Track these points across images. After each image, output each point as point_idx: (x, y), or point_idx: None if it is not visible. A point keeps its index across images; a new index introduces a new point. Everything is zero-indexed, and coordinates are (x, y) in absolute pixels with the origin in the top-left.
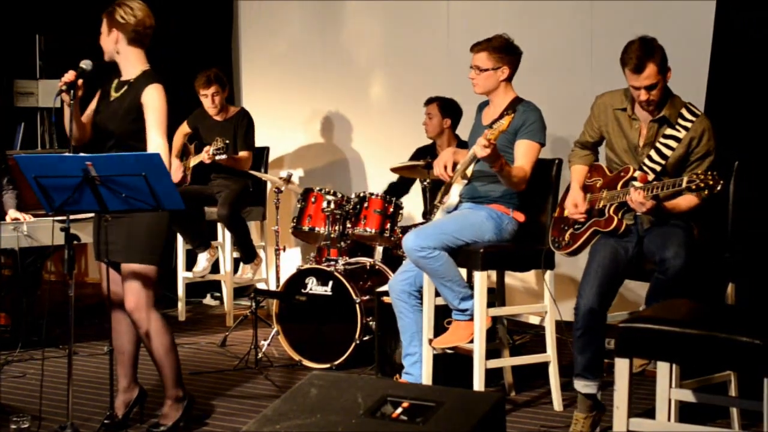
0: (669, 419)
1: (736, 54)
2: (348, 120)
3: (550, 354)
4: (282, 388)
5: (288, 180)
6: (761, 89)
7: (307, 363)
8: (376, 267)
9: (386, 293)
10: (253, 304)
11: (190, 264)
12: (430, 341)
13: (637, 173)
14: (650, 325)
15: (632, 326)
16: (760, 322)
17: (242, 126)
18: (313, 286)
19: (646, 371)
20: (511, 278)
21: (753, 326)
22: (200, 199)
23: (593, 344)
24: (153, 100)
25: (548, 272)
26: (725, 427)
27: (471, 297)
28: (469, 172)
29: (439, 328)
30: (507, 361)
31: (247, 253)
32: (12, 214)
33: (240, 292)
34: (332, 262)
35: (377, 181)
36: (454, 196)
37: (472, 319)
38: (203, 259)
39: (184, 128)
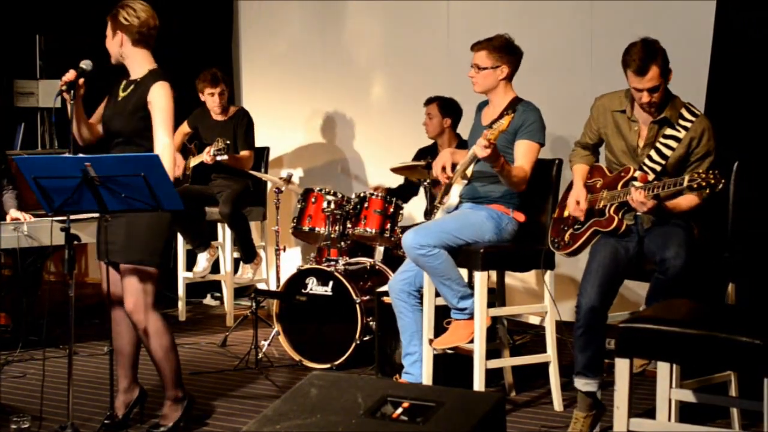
0: (669, 419)
1: (736, 54)
2: (348, 120)
3: (551, 354)
4: (282, 388)
5: (288, 180)
6: (761, 89)
7: (307, 363)
8: (377, 267)
9: (386, 293)
10: (254, 304)
11: (191, 264)
12: (431, 341)
13: (638, 173)
14: (650, 325)
15: (632, 326)
16: (760, 322)
17: (242, 125)
18: (313, 286)
19: (647, 371)
20: (511, 278)
21: (753, 326)
22: (201, 199)
23: (594, 343)
24: (159, 98)
25: (548, 272)
26: (725, 427)
27: (470, 296)
28: (469, 172)
29: (439, 329)
30: (507, 362)
31: (247, 253)
32: (13, 213)
33: (240, 292)
34: (332, 263)
35: (377, 181)
36: (454, 196)
37: (471, 318)
38: (203, 259)
39: (184, 128)
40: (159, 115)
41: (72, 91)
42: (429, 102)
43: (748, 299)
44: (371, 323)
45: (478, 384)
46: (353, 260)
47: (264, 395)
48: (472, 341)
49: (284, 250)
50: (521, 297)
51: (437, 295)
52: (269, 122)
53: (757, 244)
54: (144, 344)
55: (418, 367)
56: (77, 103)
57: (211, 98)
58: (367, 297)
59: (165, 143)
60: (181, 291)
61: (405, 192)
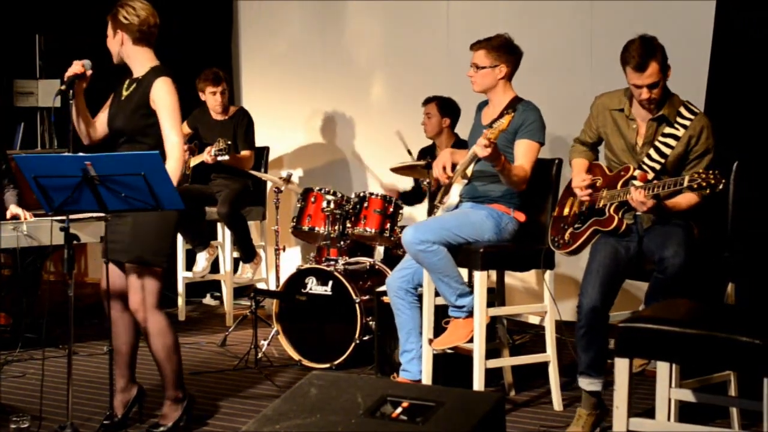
0: (669, 419)
1: (736, 54)
2: (348, 120)
3: (550, 354)
4: (282, 388)
5: (288, 180)
6: (761, 89)
7: (306, 363)
8: (376, 267)
9: (386, 293)
10: (253, 303)
11: (190, 264)
12: (431, 342)
13: (637, 172)
14: (650, 324)
15: (632, 326)
16: (760, 321)
17: (242, 125)
18: (312, 285)
19: (646, 371)
20: (511, 278)
21: (753, 326)
22: (201, 198)
23: (597, 342)
24: (163, 96)
25: (548, 272)
26: (725, 427)
27: (468, 294)
28: (469, 171)
29: (439, 329)
30: (507, 361)
31: (246, 253)
32: (13, 209)
33: (240, 291)
34: (332, 262)
35: (377, 181)
36: (454, 195)
37: (469, 316)
38: (202, 259)
39: (183, 128)
40: (165, 113)
41: (71, 91)
42: (428, 102)
43: (748, 299)
44: (371, 323)
45: (478, 384)
46: (353, 260)
47: (264, 395)
48: (471, 341)
49: (284, 249)
50: (521, 297)
51: (437, 294)
52: (269, 122)
53: (756, 244)
54: (147, 343)
55: (416, 364)
56: (77, 101)
57: (212, 97)
58: (367, 297)
59: (174, 142)
60: (180, 291)
61: (414, 196)
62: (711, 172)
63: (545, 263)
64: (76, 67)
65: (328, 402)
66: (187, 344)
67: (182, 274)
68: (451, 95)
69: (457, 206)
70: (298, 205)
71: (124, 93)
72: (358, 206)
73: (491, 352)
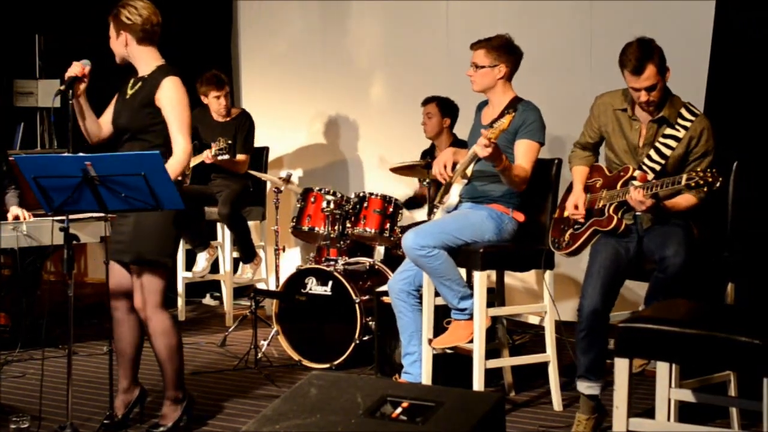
0: (669, 419)
1: (735, 54)
2: (348, 120)
3: (550, 354)
4: (282, 388)
5: (288, 180)
6: (761, 89)
7: (306, 363)
8: (376, 267)
9: (386, 293)
10: (253, 304)
11: (190, 264)
12: (430, 341)
13: (637, 173)
14: (650, 325)
15: (632, 326)
16: (760, 322)
17: (243, 129)
18: (312, 286)
19: (646, 371)
20: (511, 278)
21: (752, 326)
22: (200, 198)
23: (596, 345)
24: (171, 98)
25: (548, 272)
26: (725, 427)
27: (470, 296)
28: (469, 171)
29: (439, 328)
30: (507, 361)
31: (246, 253)
32: (14, 210)
33: (240, 292)
34: (332, 262)
35: (377, 181)
36: (454, 195)
37: (471, 319)
38: (202, 259)
39: None
40: (172, 115)
41: (71, 91)
42: (427, 102)
43: (748, 299)
44: (371, 323)
45: (478, 384)
46: (353, 260)
47: (263, 395)
48: (471, 341)
49: (284, 249)
50: (521, 297)
51: (437, 295)
52: (269, 122)
53: (756, 244)
54: (150, 343)
55: (418, 367)
56: (80, 101)
57: (216, 101)
58: (367, 297)
59: (183, 147)
60: (180, 291)
61: (412, 203)
62: (708, 170)
63: (545, 264)
64: (76, 68)
65: (328, 402)
66: (187, 344)
67: (182, 275)
68: (450, 95)
69: (456, 206)
70: (298, 205)
71: (129, 91)
72: (357, 206)
73: (491, 352)
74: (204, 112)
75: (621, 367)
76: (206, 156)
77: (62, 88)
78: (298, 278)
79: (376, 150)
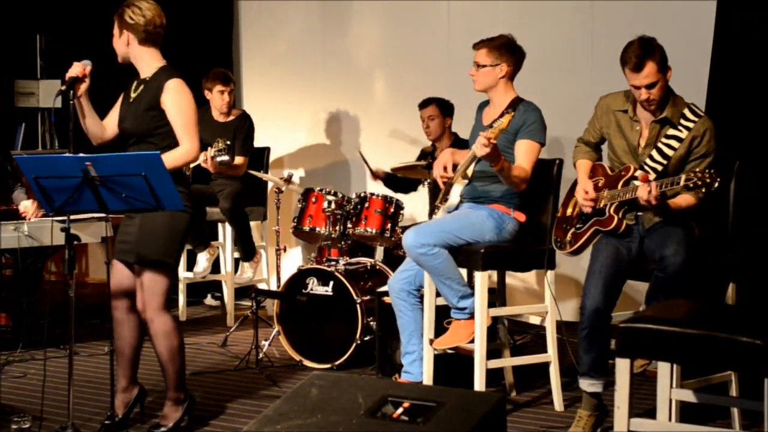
0: (670, 419)
1: (736, 54)
2: (348, 120)
3: (551, 354)
4: (283, 389)
5: (288, 180)
6: (762, 89)
7: (307, 363)
8: (377, 267)
9: (387, 293)
10: (254, 304)
11: (191, 264)
12: (431, 342)
13: (639, 173)
14: (651, 325)
15: (633, 326)
16: (761, 322)
17: (243, 130)
18: (313, 286)
19: (647, 371)
20: (512, 278)
21: (753, 326)
22: (201, 198)
23: (599, 343)
24: (174, 100)
25: (549, 272)
26: (726, 427)
27: (470, 296)
28: (469, 172)
29: (439, 329)
30: (508, 362)
31: (246, 250)
32: (23, 204)
33: (241, 292)
34: (333, 263)
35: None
36: (454, 196)
37: (471, 318)
38: (203, 259)
39: None
40: (178, 118)
41: (71, 92)
42: (426, 104)
43: (749, 299)
44: (372, 323)
45: (479, 384)
46: (354, 260)
47: (264, 395)
48: (472, 341)
49: (285, 250)
50: (522, 297)
51: (437, 295)
52: (269, 122)
53: (757, 244)
54: (152, 344)
55: (418, 366)
56: (82, 102)
57: (220, 96)
58: (368, 297)
59: (188, 147)
60: (181, 291)
61: (404, 184)
62: (707, 171)
63: (546, 264)
64: (77, 68)
65: (329, 402)
66: (188, 345)
67: (183, 275)
68: (451, 95)
69: (457, 207)
70: (299, 206)
71: (133, 94)
72: (358, 206)
73: (492, 353)
74: (206, 111)
75: (622, 367)
76: (204, 157)
77: (63, 88)
78: (299, 278)
79: (377, 150)
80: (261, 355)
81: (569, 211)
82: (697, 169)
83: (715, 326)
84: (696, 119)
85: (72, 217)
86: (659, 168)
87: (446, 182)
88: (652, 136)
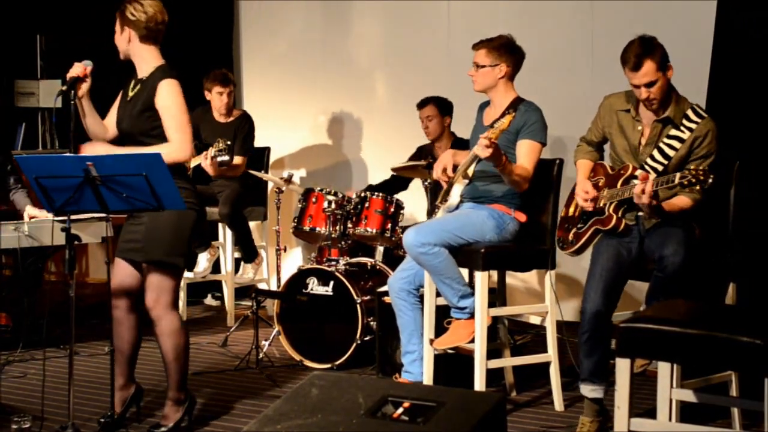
0: (670, 419)
1: (736, 54)
2: (349, 120)
3: (551, 354)
4: (283, 388)
5: (289, 180)
6: (762, 89)
7: (308, 363)
8: (377, 267)
9: (387, 293)
10: (254, 304)
11: (191, 264)
12: (431, 342)
13: (639, 172)
14: (651, 325)
15: (633, 326)
16: (761, 322)
17: (243, 130)
18: (314, 286)
19: (647, 371)
20: (512, 278)
21: (754, 326)
22: (202, 198)
23: (600, 348)
24: (167, 100)
25: (549, 272)
26: (726, 427)
27: (470, 295)
28: (470, 171)
29: (440, 329)
30: (508, 362)
31: (247, 253)
32: (30, 211)
33: (241, 292)
34: (333, 262)
35: (378, 181)
36: (455, 195)
37: (471, 318)
38: (203, 259)
39: None
40: (168, 117)
41: (72, 92)
42: (424, 104)
43: (749, 299)
44: (372, 323)
45: (479, 384)
46: (354, 260)
47: (265, 395)
48: (472, 341)
49: (285, 250)
50: (522, 297)
51: (438, 294)
52: (270, 122)
53: (758, 244)
54: (157, 342)
55: (418, 366)
56: (83, 102)
57: (219, 97)
58: (368, 297)
59: (178, 144)
60: (181, 291)
61: (390, 187)
62: (701, 169)
63: (546, 264)
64: (77, 68)
65: (329, 402)
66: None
67: (183, 275)
68: (451, 95)
69: (458, 206)
70: (299, 206)
71: (130, 93)
72: (359, 206)
73: (492, 353)
74: (206, 111)
75: (622, 367)
76: (204, 157)
77: (64, 88)
78: (299, 278)
79: (378, 150)
80: (261, 355)
81: (571, 210)
82: (692, 167)
83: (715, 326)
84: (699, 120)
85: (72, 217)
86: (660, 168)
87: (447, 182)
88: (654, 135)
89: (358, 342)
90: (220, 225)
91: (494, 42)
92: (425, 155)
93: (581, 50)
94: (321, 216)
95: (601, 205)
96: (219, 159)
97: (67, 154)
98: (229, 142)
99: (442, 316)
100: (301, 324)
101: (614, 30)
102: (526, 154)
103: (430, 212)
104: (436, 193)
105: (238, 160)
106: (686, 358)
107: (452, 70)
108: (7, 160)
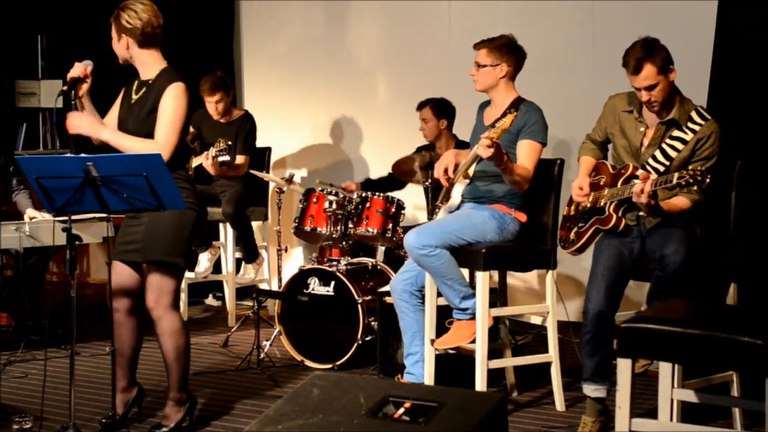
0: (671, 419)
1: (737, 54)
2: (349, 120)
3: (552, 354)
4: (284, 389)
5: (290, 180)
6: (763, 89)
7: (309, 363)
8: (378, 267)
9: (388, 293)
10: (256, 304)
11: (192, 264)
12: (432, 342)
13: (640, 171)
14: (652, 325)
15: (634, 326)
16: (762, 322)
17: (244, 130)
18: (315, 286)
19: (649, 371)
20: (513, 278)
21: (755, 326)
22: (203, 199)
23: (602, 348)
24: (168, 101)
25: (550, 272)
26: (727, 427)
27: (471, 296)
28: (471, 171)
29: (441, 329)
30: (509, 362)
31: (249, 252)
32: (30, 213)
33: (242, 292)
34: (334, 263)
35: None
36: (456, 196)
37: (472, 319)
38: (204, 259)
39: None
40: (162, 120)
41: (73, 92)
42: (421, 106)
43: (750, 299)
44: (373, 323)
45: (480, 384)
46: (355, 260)
47: (266, 395)
48: (473, 341)
49: (286, 250)
50: (523, 297)
51: (439, 295)
52: (271, 122)
53: (758, 244)
54: (158, 342)
55: (420, 367)
56: (81, 101)
57: (210, 105)
58: (369, 297)
59: (161, 143)
60: (182, 291)
61: (386, 184)
62: (698, 169)
63: (548, 264)
64: (78, 69)
65: (331, 402)
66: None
67: (185, 275)
68: (451, 95)
69: (459, 206)
70: (300, 206)
71: (134, 96)
72: (360, 206)
73: (493, 353)
74: (207, 112)
75: (623, 367)
76: (205, 157)
77: (65, 88)
78: (300, 278)
79: (378, 150)
80: (262, 356)
81: (573, 209)
82: (690, 167)
83: (716, 326)
84: (702, 122)
85: (73, 217)
86: (661, 168)
87: (448, 182)
88: (657, 137)
89: (359, 342)
90: (221, 225)
91: (495, 42)
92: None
93: (582, 50)
94: (322, 216)
95: (602, 204)
96: (220, 159)
97: (68, 155)
98: (230, 142)
99: (444, 317)
100: (302, 324)
101: (615, 30)
102: (526, 155)
103: (431, 213)
104: (436, 194)
105: (240, 159)
106: (687, 359)
107: (453, 70)
108: (9, 161)
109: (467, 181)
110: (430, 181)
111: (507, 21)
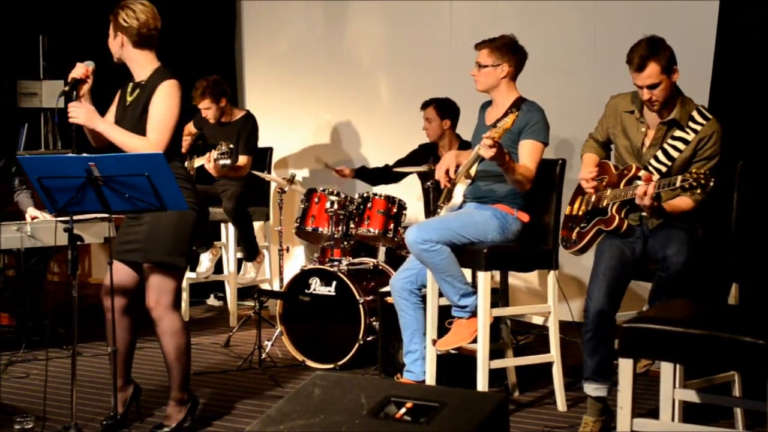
0: (673, 419)
1: (739, 54)
2: (350, 120)
3: (554, 354)
4: (285, 389)
5: (291, 180)
6: (764, 89)
7: (310, 363)
8: (380, 267)
9: (389, 293)
10: (257, 304)
11: (194, 264)
12: (434, 342)
13: (642, 173)
14: (654, 325)
15: (636, 326)
16: (764, 322)
17: (246, 130)
18: (316, 286)
19: (650, 371)
20: (515, 278)
21: (756, 326)
22: (204, 199)
23: (603, 347)
24: (160, 97)
25: (552, 273)
26: (729, 427)
27: (471, 294)
28: (472, 171)
29: (442, 329)
30: (510, 362)
31: (249, 250)
32: (31, 212)
33: (244, 292)
34: (336, 263)
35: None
36: (458, 195)
37: (472, 317)
38: (206, 260)
39: (190, 128)
40: (153, 117)
41: (74, 92)
42: (425, 106)
43: (751, 299)
44: (374, 323)
45: (482, 384)
46: (356, 260)
47: (267, 395)
48: (475, 341)
49: (287, 250)
50: (524, 297)
51: (440, 295)
52: (271, 122)
53: (760, 245)
54: (159, 342)
55: (420, 365)
56: (81, 101)
57: (204, 111)
58: (371, 297)
59: (151, 142)
60: (184, 291)
61: (381, 176)
62: (702, 172)
63: (549, 264)
64: (80, 69)
65: (332, 402)
66: (191, 345)
67: (186, 275)
68: (452, 95)
69: (461, 206)
70: (302, 206)
71: (129, 98)
72: (361, 207)
73: (495, 353)
74: None
75: (625, 367)
76: (207, 160)
77: (66, 89)
78: (302, 279)
79: (379, 150)
80: (264, 356)
81: (575, 209)
82: (693, 170)
83: (718, 326)
84: (704, 122)
85: (75, 217)
86: (663, 169)
87: (449, 183)
88: (658, 137)
89: (361, 342)
90: (222, 225)
91: (497, 42)
92: (427, 154)
93: (583, 50)
94: (323, 216)
95: (604, 204)
96: (221, 162)
97: (70, 155)
98: (231, 146)
99: (445, 317)
100: (303, 324)
101: (616, 30)
102: (528, 154)
103: (432, 213)
104: (437, 194)
105: (242, 160)
106: (689, 359)
107: (454, 70)
108: (11, 161)
109: (469, 181)
110: (431, 182)
111: (508, 21)
